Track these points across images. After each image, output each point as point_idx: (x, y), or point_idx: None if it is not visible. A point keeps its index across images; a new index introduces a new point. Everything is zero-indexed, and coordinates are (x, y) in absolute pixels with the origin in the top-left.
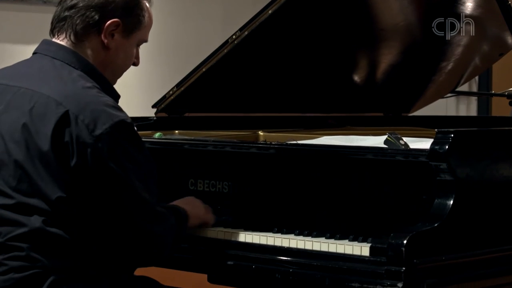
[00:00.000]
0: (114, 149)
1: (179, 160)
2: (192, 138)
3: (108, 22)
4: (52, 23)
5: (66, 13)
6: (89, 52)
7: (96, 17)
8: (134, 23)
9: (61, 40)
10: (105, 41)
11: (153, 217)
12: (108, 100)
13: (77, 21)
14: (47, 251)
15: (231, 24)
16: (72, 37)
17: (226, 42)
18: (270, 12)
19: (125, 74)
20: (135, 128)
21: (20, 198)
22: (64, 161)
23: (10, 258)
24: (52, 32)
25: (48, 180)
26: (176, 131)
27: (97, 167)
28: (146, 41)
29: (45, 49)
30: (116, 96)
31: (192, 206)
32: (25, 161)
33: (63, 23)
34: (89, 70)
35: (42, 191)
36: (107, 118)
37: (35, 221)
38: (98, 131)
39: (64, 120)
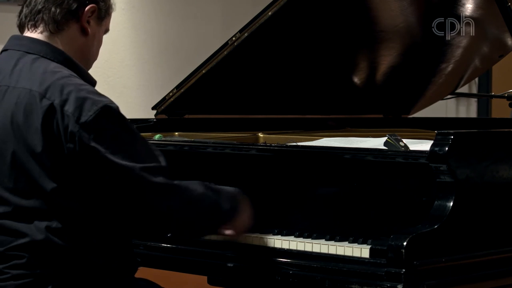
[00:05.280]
0: (100, 134)
1: (179, 162)
2: (192, 140)
3: (87, 8)
4: (21, 18)
5: (42, 5)
6: (68, 40)
7: (75, 4)
8: (106, 9)
9: (36, 32)
10: (85, 26)
11: (159, 192)
12: (89, 87)
13: (57, 11)
14: (47, 260)
15: (231, 26)
16: (51, 27)
17: (226, 43)
18: (270, 13)
19: (125, 75)
20: (120, 111)
21: (18, 201)
22: (57, 154)
23: (11, 266)
24: (24, 27)
25: (43, 175)
26: (176, 133)
27: (86, 153)
28: (108, 30)
29: (16, 45)
30: (93, 83)
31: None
32: (20, 158)
33: (39, 15)
34: (64, 60)
35: (40, 186)
36: (91, 105)
37: (36, 229)
38: (83, 119)
39: (50, 113)
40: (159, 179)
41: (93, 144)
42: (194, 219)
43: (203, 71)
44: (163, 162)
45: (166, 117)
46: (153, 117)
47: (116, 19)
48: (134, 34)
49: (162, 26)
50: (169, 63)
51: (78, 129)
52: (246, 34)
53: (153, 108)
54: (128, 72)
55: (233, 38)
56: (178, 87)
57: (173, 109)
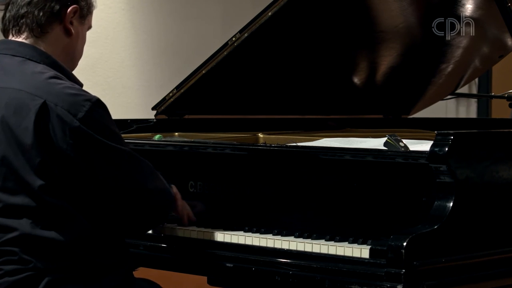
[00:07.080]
0: (99, 125)
1: (179, 162)
2: (192, 140)
3: (69, 9)
4: (5, 23)
5: (24, 10)
6: (52, 42)
7: (57, 6)
8: (87, 7)
9: (21, 37)
10: (68, 27)
11: (150, 173)
12: (76, 86)
13: (40, 14)
14: (39, 253)
15: (231, 26)
16: (35, 31)
17: (226, 44)
18: (270, 14)
19: (125, 75)
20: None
21: (7, 199)
22: (47, 151)
23: (3, 262)
24: (9, 32)
25: (31, 172)
26: (176, 133)
27: (90, 146)
28: (91, 27)
29: (3, 49)
30: (80, 85)
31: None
32: (9, 156)
33: (23, 19)
34: (50, 62)
35: (29, 185)
36: (85, 101)
37: (25, 224)
38: (81, 114)
39: (43, 111)
40: (144, 159)
41: (96, 136)
42: (166, 199)
43: (203, 72)
44: None
45: (166, 117)
46: (153, 117)
47: (116, 19)
48: (134, 34)
49: (162, 26)
50: (169, 63)
51: (78, 124)
52: (246, 35)
53: (153, 109)
54: (128, 72)
55: (233, 39)
56: (178, 87)
57: (173, 110)
